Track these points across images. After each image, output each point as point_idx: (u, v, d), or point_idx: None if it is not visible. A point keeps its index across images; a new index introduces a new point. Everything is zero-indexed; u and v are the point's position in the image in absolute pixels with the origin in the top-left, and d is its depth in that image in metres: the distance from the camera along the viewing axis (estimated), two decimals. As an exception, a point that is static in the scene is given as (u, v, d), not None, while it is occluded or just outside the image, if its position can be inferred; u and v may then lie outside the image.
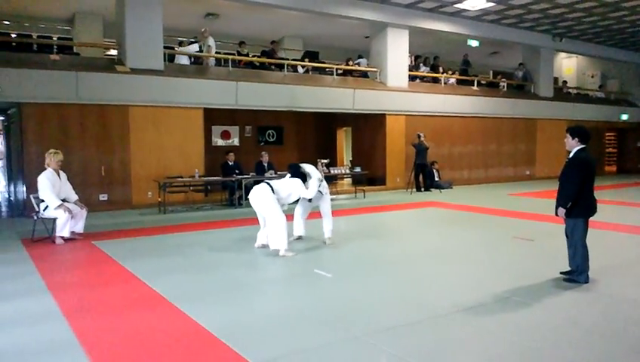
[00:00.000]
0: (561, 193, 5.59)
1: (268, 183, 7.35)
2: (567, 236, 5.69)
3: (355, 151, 18.14)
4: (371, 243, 8.11)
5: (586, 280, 5.55)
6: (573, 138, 5.61)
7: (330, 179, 14.12)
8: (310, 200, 7.83)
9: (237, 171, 12.53)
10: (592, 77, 25.15)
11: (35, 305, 5.07)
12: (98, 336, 4.24)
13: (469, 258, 7.02)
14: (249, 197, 7.55)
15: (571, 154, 5.65)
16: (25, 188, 10.85)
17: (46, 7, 15.04)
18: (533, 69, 20.78)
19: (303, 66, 15.93)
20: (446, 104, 17.47)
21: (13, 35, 14.14)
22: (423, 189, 15.59)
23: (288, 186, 7.43)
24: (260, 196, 7.25)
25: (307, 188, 7.45)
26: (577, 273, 5.58)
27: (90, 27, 15.56)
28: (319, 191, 7.73)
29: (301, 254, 7.25)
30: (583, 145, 5.58)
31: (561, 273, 5.78)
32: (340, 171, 15.22)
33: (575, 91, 23.56)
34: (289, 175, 7.67)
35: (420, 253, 7.35)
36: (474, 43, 18.94)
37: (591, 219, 5.61)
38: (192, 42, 14.49)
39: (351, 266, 6.64)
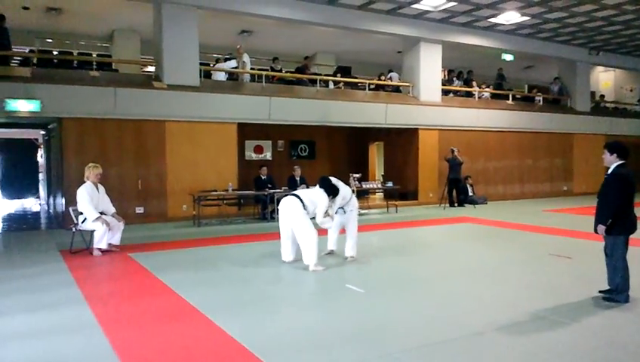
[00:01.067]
0: (601, 210, 5.46)
1: (297, 196, 7.33)
2: (606, 254, 5.55)
3: (388, 165, 18.08)
4: (404, 259, 8.04)
5: (627, 300, 5.39)
6: (611, 154, 5.50)
7: (362, 194, 14.10)
8: (343, 210, 7.78)
9: (269, 185, 12.63)
10: (631, 90, 24.54)
11: (73, 316, 5.18)
12: (134, 348, 4.31)
13: (504, 275, 6.90)
14: (279, 208, 7.55)
15: (610, 171, 5.52)
16: (64, 201, 11.12)
17: (86, 25, 15.54)
18: (569, 82, 20.43)
19: (335, 82, 16.01)
20: (480, 118, 17.30)
21: (55, 52, 14.61)
22: (456, 204, 15.42)
23: (313, 196, 7.35)
24: (289, 209, 7.25)
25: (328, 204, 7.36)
26: (617, 292, 5.42)
27: (128, 44, 16.03)
28: (342, 208, 7.67)
29: (333, 269, 7.24)
30: (622, 161, 5.45)
31: (599, 292, 5.63)
32: (372, 186, 15.17)
33: (613, 105, 23.05)
34: (317, 185, 7.56)
35: (453, 270, 7.26)
36: (508, 57, 18.73)
37: (632, 236, 5.46)
38: (227, 59, 14.74)
39: (383, 282, 6.60)
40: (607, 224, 5.36)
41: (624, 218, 5.36)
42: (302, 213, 7.14)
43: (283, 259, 7.60)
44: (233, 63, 14.37)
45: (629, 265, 5.43)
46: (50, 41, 16.14)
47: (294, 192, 7.52)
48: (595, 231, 5.48)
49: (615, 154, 5.47)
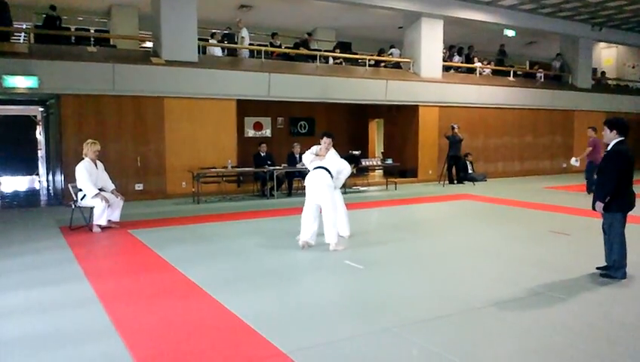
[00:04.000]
0: (599, 187, 5.46)
1: (326, 169, 7.02)
2: (604, 231, 5.56)
3: (387, 142, 18.03)
4: (403, 236, 8.06)
5: (623, 276, 5.42)
6: (611, 130, 5.47)
7: (362, 171, 14.08)
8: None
9: (269, 162, 12.60)
10: (633, 67, 24.37)
11: (73, 292, 5.21)
12: (133, 322, 4.34)
13: (504, 252, 6.92)
14: (306, 182, 7.14)
15: (609, 147, 5.49)
16: (63, 178, 11.13)
17: (84, 0, 15.33)
18: (571, 59, 20.27)
19: (335, 57, 15.87)
20: (481, 95, 17.20)
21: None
22: (455, 182, 15.41)
23: (340, 166, 7.16)
24: (320, 184, 6.90)
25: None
26: (614, 268, 5.45)
27: (126, 20, 15.86)
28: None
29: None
30: (621, 138, 5.43)
31: (597, 268, 5.65)
32: (371, 163, 15.16)
33: (615, 82, 22.90)
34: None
35: (452, 246, 7.28)
36: (510, 33, 18.55)
37: (630, 213, 5.46)
38: (226, 34, 14.58)
39: (382, 258, 6.61)
40: (606, 201, 5.35)
41: (622, 195, 5.36)
42: (331, 189, 6.91)
43: (305, 240, 7.00)
44: (245, 33, 14.18)
45: (627, 242, 5.44)
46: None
47: (322, 165, 7.09)
48: (594, 208, 5.48)
49: (615, 131, 5.44)
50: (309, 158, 7.33)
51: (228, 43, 14.67)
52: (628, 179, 5.37)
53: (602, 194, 5.38)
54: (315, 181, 6.97)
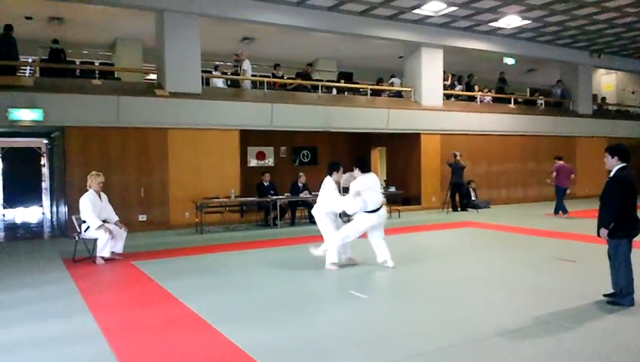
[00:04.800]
0: (603, 213, 5.45)
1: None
2: (609, 257, 5.53)
3: (390, 170, 18.07)
4: (407, 265, 8.00)
5: (631, 303, 5.36)
6: (612, 157, 5.50)
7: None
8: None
9: (272, 192, 12.62)
10: (633, 93, 24.52)
11: (76, 325, 5.17)
12: (137, 356, 4.30)
13: (509, 280, 6.87)
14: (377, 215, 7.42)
15: (612, 174, 5.51)
16: (67, 209, 11.15)
17: (88, 34, 15.60)
18: (571, 85, 20.41)
19: (337, 87, 16.02)
20: (482, 122, 17.29)
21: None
22: (459, 209, 15.39)
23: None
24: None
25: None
26: (622, 296, 5.40)
27: (130, 53, 16.08)
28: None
29: (335, 275, 7.23)
30: (623, 164, 5.45)
31: (604, 295, 5.60)
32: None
33: (615, 108, 23.02)
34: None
35: (457, 275, 7.23)
36: (510, 61, 18.74)
37: (635, 239, 5.44)
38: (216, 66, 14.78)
39: (386, 288, 6.58)
40: (610, 227, 5.34)
41: (626, 221, 5.35)
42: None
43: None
44: (247, 65, 14.37)
45: (633, 268, 5.40)
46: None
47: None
48: (598, 234, 5.46)
49: (616, 157, 5.47)
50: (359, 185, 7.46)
51: (231, 75, 14.84)
52: (631, 204, 5.37)
53: (606, 220, 5.37)
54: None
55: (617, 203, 5.31)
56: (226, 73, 14.93)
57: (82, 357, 4.34)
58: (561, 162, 14.00)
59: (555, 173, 13.80)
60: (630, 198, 5.35)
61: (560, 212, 13.65)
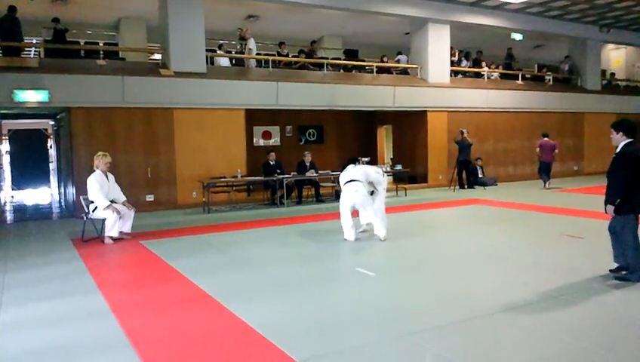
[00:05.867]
0: (609, 190, 5.42)
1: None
2: (611, 232, 5.52)
3: (396, 148, 18.01)
4: (414, 242, 8.04)
5: (639, 279, 5.35)
6: (617, 132, 5.46)
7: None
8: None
9: (278, 171, 12.62)
10: (643, 68, 24.22)
11: (86, 303, 5.23)
12: (147, 334, 4.35)
13: (516, 256, 6.87)
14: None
15: (618, 150, 5.46)
16: (75, 190, 11.20)
17: (92, 14, 15.50)
18: (579, 61, 20.17)
19: (342, 65, 15.90)
20: (489, 99, 17.15)
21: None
22: (466, 186, 15.35)
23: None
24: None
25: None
26: (630, 272, 5.38)
27: (134, 32, 16.01)
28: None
29: (343, 253, 7.26)
30: (629, 140, 5.40)
31: (610, 271, 5.60)
32: (381, 169, 15.09)
33: (624, 83, 22.75)
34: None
35: (464, 252, 7.24)
36: (517, 36, 18.50)
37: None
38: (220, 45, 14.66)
39: (394, 265, 6.60)
40: (616, 203, 5.31)
41: (633, 196, 5.31)
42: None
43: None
44: (252, 43, 14.27)
45: None
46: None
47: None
48: (605, 211, 5.43)
49: (621, 133, 5.43)
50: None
51: (235, 53, 14.75)
52: (638, 180, 5.32)
53: (613, 196, 5.34)
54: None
55: (623, 179, 5.27)
56: (230, 52, 14.83)
57: (93, 334, 4.39)
58: (546, 139, 15.22)
59: (538, 149, 15.18)
60: (637, 174, 5.30)
61: (546, 183, 14.98)
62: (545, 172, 15.07)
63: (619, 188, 5.29)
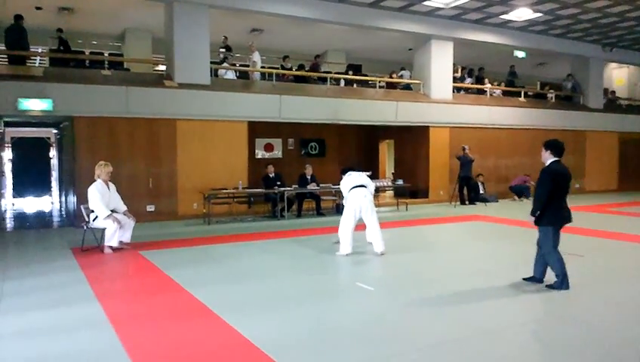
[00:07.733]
0: (533, 203, 5.81)
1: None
2: (537, 245, 5.89)
3: (398, 163, 18.00)
4: (414, 257, 8.01)
5: (567, 287, 5.68)
6: (546, 150, 5.93)
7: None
8: None
9: (278, 183, 12.62)
10: (645, 87, 24.27)
11: (83, 313, 5.21)
12: (144, 345, 4.33)
13: (518, 274, 6.83)
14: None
15: (544, 166, 5.87)
16: (76, 199, 11.20)
17: (98, 25, 15.63)
18: (582, 79, 20.23)
19: (346, 79, 15.98)
20: (492, 116, 17.19)
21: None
22: (467, 202, 15.34)
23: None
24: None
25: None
26: (559, 282, 5.71)
27: (139, 43, 16.12)
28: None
29: (342, 267, 7.23)
30: (556, 158, 5.83)
31: (523, 279, 6.03)
32: (382, 183, 15.11)
33: (626, 102, 22.80)
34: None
35: (464, 268, 7.22)
36: (520, 54, 18.58)
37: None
38: (225, 58, 14.71)
39: (393, 280, 6.58)
40: (536, 215, 5.67)
41: (553, 210, 5.67)
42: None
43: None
44: (257, 56, 14.33)
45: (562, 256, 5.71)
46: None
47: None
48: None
49: (549, 151, 5.91)
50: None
51: (239, 66, 14.83)
52: (560, 195, 5.71)
53: (533, 208, 5.76)
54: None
55: (544, 193, 5.66)
56: (234, 65, 14.91)
57: (90, 344, 4.37)
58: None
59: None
60: (559, 190, 5.68)
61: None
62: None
63: (539, 202, 5.68)
